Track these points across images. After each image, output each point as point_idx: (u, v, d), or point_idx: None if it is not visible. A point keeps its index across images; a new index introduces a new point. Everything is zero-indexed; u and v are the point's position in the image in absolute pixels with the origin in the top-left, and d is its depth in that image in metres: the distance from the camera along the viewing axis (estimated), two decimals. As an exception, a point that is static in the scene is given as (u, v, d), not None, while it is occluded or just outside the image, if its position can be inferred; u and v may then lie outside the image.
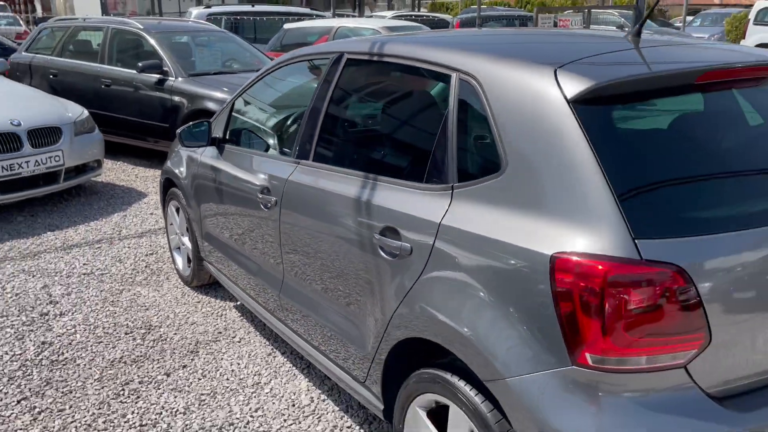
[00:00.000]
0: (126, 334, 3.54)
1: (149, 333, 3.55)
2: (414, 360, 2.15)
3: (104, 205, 5.86)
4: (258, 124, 3.35)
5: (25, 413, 2.84)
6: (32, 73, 8.07)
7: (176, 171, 3.89)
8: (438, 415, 2.07)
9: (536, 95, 1.82)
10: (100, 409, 2.87)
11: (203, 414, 2.84)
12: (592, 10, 19.87)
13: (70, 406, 2.89)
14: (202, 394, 2.98)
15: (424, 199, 2.06)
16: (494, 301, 1.77)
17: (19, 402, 2.92)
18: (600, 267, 1.56)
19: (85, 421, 2.79)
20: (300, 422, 2.78)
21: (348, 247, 2.35)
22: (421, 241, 2.02)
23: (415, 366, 2.11)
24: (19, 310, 3.79)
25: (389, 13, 16.91)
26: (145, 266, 4.45)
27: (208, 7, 11.27)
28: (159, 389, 3.02)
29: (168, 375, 3.14)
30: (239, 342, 3.45)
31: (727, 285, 1.61)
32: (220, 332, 3.56)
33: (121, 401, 2.93)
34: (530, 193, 1.77)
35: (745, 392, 1.69)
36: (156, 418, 2.81)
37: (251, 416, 2.82)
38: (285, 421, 2.79)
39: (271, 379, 3.10)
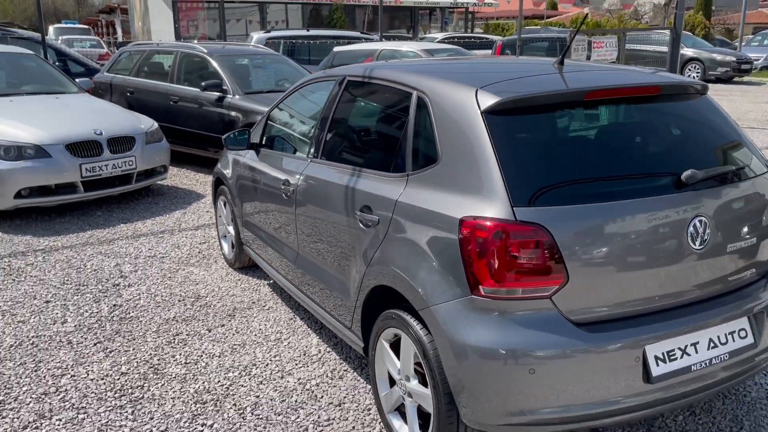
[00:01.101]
0: (179, 301, 4.37)
1: (197, 301, 4.37)
2: (382, 306, 2.86)
3: (168, 203, 6.80)
4: (286, 131, 4.14)
5: (99, 352, 3.68)
6: (112, 90, 9.19)
7: (224, 172, 4.73)
8: (396, 346, 2.76)
9: (463, 107, 2.52)
10: (155, 351, 3.69)
11: (234, 357, 3.61)
12: (646, 31, 20.04)
13: (134, 348, 3.72)
14: (234, 344, 3.76)
15: (389, 184, 2.79)
16: (426, 252, 2.47)
17: (95, 344, 3.77)
18: (487, 224, 2.24)
19: (144, 358, 3.60)
20: (308, 365, 3.52)
21: (340, 221, 3.09)
22: (385, 214, 2.74)
23: (383, 310, 2.82)
24: (96, 282, 4.69)
25: (440, 35, 17.72)
26: (198, 252, 5.30)
27: (268, 32, 12.32)
28: (201, 340, 3.82)
29: (209, 330, 3.94)
30: (268, 309, 4.23)
31: (583, 240, 2.26)
32: (254, 302, 4.35)
33: (172, 346, 3.74)
34: (453, 177, 2.47)
35: (605, 321, 2.33)
36: (197, 359, 3.60)
37: (270, 360, 3.58)
38: (296, 364, 3.53)
39: (289, 336, 3.86)
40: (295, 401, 3.19)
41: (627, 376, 2.30)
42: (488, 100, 2.44)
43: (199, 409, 3.12)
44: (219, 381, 3.37)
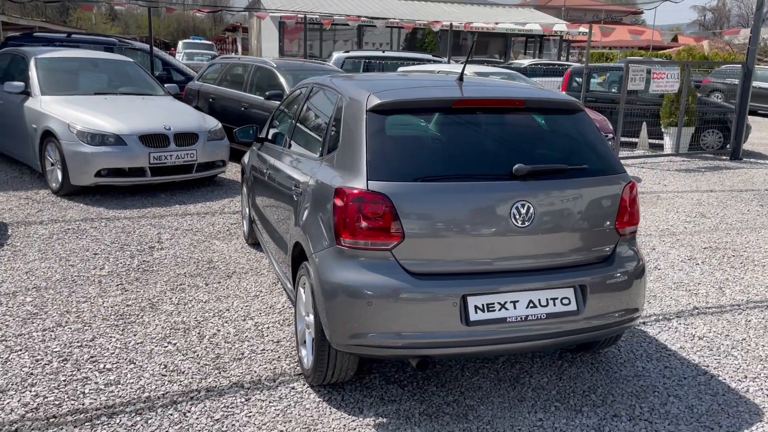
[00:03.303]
0: (194, 263, 5.35)
1: (208, 264, 5.33)
2: (302, 260, 3.64)
3: (221, 193, 7.91)
4: (279, 126, 5.03)
5: (118, 290, 4.71)
6: (199, 96, 10.54)
7: (245, 162, 5.70)
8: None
9: (358, 106, 3.29)
10: (159, 294, 4.66)
11: (215, 304, 4.52)
12: (729, 65, 19.39)
13: (143, 290, 4.71)
14: (220, 296, 4.67)
15: (312, 164, 3.59)
16: (316, 213, 3.26)
17: (117, 285, 4.81)
18: (348, 192, 3.00)
19: (148, 297, 4.59)
20: (268, 315, 4.36)
21: (288, 195, 3.92)
22: (305, 187, 3.54)
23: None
24: (137, 244, 5.78)
25: (527, 62, 18.26)
26: (227, 230, 6.31)
27: (347, 51, 13.47)
28: (197, 290, 4.76)
29: (206, 284, 4.88)
30: (259, 275, 5.12)
31: (417, 209, 2.96)
32: (252, 269, 5.25)
33: (172, 292, 4.70)
34: (342, 159, 3.24)
35: (435, 273, 3.00)
36: (187, 302, 4.53)
37: (241, 308, 4.45)
38: (260, 314, 4.38)
39: (266, 295, 4.72)
40: (245, 336, 4.04)
41: (448, 317, 2.96)
42: (373, 102, 3.20)
43: (171, 333, 4.04)
44: (195, 318, 4.28)
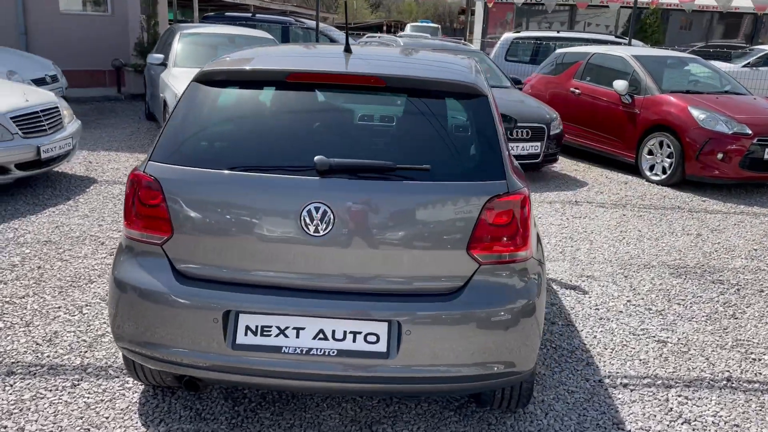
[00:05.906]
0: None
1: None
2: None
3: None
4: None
5: (103, 253, 4.81)
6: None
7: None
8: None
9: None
10: (135, 263, 4.66)
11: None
12: None
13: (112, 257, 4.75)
14: (185, 273, 4.53)
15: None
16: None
17: (108, 250, 4.91)
18: (132, 175, 2.59)
19: (108, 263, 4.60)
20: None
21: None
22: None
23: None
24: (175, 212, 5.89)
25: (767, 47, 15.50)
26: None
27: (518, 32, 12.46)
28: (172, 264, 4.67)
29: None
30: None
31: (189, 200, 2.45)
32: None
33: (148, 263, 4.67)
34: (168, 135, 2.83)
35: (205, 278, 2.47)
36: (148, 275, 4.47)
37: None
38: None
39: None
40: (155, 318, 3.83)
41: (209, 335, 2.43)
42: (200, 72, 2.74)
43: (94, 303, 3.99)
44: (134, 291, 4.19)
